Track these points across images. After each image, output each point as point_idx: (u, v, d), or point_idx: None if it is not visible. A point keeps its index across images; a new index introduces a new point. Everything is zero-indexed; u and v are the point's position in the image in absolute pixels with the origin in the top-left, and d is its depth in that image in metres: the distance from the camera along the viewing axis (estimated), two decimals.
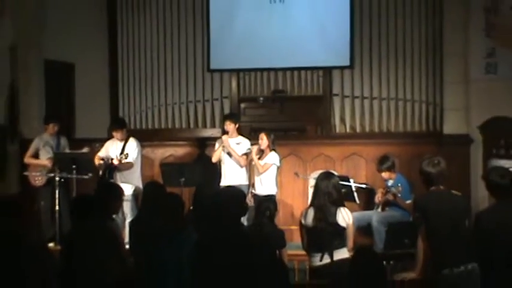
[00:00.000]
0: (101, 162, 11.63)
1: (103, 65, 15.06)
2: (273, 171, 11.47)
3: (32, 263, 5.81)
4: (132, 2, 14.94)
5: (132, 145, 11.77)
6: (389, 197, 10.47)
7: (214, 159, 11.63)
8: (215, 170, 11.48)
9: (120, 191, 7.83)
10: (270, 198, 10.52)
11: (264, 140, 11.40)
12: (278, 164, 11.43)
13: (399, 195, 10.29)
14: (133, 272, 7.05)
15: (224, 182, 11.00)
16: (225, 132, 11.82)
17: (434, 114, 13.54)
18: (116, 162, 11.42)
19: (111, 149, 11.73)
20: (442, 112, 13.16)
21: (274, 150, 11.51)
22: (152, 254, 6.92)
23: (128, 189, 10.39)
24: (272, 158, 11.44)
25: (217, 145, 11.73)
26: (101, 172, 11.55)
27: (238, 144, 11.60)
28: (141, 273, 6.82)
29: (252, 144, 11.65)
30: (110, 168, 11.46)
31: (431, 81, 13.57)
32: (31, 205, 10.93)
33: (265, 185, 11.41)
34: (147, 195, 8.42)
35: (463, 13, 12.41)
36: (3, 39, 13.10)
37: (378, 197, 10.79)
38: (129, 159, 11.53)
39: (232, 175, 11.35)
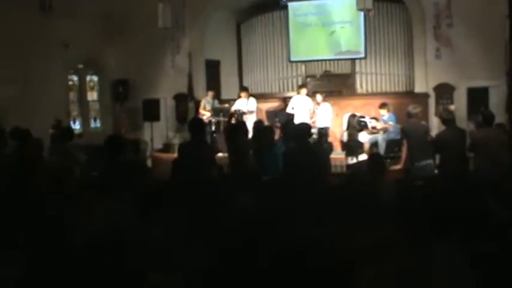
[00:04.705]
0: (235, 111, 11.77)
1: (233, 59, 15.03)
2: (328, 113, 11.42)
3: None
4: (250, 25, 14.82)
5: (252, 100, 12.00)
6: (383, 124, 10.42)
7: (287, 111, 11.71)
8: (292, 114, 11.55)
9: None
10: (325, 129, 10.47)
11: (318, 97, 11.39)
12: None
13: (391, 123, 10.26)
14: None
15: (297, 120, 11.04)
16: (298, 93, 11.88)
17: (411, 83, 13.15)
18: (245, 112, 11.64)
19: (240, 103, 11.91)
20: (414, 81, 12.79)
21: (326, 101, 11.45)
22: (263, 156, 7.16)
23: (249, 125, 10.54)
24: (326, 108, 11.42)
25: (292, 101, 11.81)
26: (233, 117, 11.60)
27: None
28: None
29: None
30: (240, 114, 11.63)
31: (411, 64, 13.21)
32: None
33: (322, 121, 11.36)
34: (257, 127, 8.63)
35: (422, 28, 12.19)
36: (194, 48, 13.43)
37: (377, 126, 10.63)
38: (250, 109, 11.75)
39: (302, 117, 11.24)
